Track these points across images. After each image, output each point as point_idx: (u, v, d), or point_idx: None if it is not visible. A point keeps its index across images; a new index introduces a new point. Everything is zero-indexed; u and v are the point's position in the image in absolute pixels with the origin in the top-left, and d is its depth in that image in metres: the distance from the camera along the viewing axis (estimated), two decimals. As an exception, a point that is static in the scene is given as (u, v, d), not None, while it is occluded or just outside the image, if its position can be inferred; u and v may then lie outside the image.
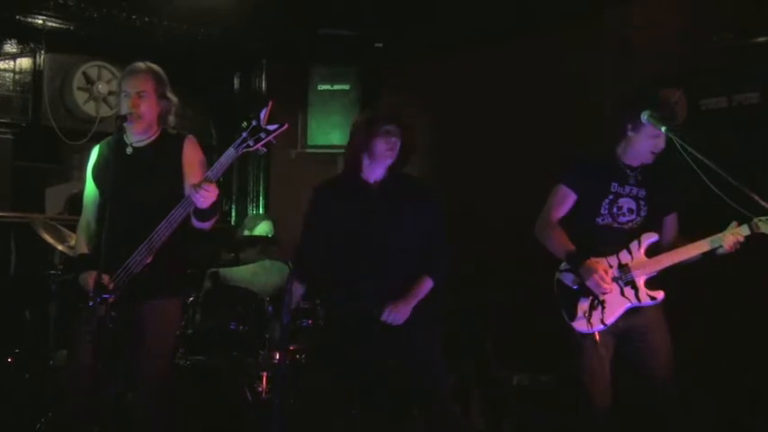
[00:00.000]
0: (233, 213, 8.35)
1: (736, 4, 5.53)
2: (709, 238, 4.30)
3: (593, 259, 4.32)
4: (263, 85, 8.16)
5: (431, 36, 7.40)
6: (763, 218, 4.19)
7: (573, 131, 5.63)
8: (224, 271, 6.19)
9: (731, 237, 4.26)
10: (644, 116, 4.28)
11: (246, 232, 6.57)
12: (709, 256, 4.34)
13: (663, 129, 4.24)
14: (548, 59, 6.56)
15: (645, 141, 4.37)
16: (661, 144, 4.36)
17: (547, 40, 6.62)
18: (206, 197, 3.98)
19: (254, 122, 4.01)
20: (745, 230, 4.26)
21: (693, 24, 5.68)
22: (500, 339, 6.39)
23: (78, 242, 4.48)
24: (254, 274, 6.30)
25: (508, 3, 6.68)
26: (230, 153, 4.06)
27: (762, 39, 5.39)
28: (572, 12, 6.42)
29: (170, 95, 4.45)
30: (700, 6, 5.67)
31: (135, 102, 4.30)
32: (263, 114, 4.01)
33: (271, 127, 4.02)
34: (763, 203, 4.11)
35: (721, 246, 4.27)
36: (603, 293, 4.31)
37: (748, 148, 5.36)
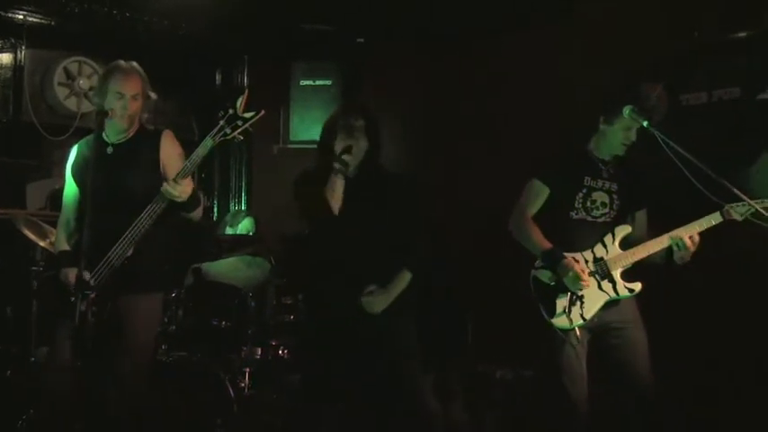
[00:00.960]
0: (215, 209, 8.32)
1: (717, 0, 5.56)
2: (681, 228, 4.33)
3: (570, 258, 4.35)
4: (245, 81, 8.14)
5: (413, 32, 7.39)
6: (734, 204, 4.22)
7: (559, 128, 5.65)
8: (206, 266, 6.18)
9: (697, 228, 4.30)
10: (626, 111, 4.31)
11: (229, 229, 6.56)
12: (669, 262, 4.39)
13: (645, 123, 4.28)
14: (534, 57, 6.56)
15: (617, 133, 4.42)
16: (632, 136, 4.42)
17: (532, 37, 6.63)
18: (181, 192, 4.01)
19: (230, 111, 4.06)
20: (716, 218, 4.29)
21: (674, 20, 5.69)
22: (483, 334, 6.40)
23: (58, 239, 4.48)
24: (236, 269, 6.29)
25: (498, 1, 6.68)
26: (207, 143, 4.10)
27: (742, 34, 5.41)
28: (558, 9, 6.43)
29: (151, 93, 4.47)
30: (681, 2, 5.69)
31: (132, 104, 4.33)
32: (240, 102, 4.06)
33: (247, 114, 4.06)
34: (743, 197, 4.14)
35: (692, 236, 4.29)
36: (580, 290, 4.34)
37: (729, 142, 5.38)
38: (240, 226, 6.54)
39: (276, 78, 7.83)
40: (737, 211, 4.23)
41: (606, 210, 4.49)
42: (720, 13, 5.51)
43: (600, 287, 4.40)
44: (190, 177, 4.08)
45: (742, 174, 5.15)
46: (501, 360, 6.26)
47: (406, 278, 4.40)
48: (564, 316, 4.36)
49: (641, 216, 4.63)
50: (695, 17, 5.61)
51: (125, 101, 4.30)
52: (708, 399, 5.26)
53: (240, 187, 8.27)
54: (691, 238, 4.28)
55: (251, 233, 6.50)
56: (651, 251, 4.38)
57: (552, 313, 4.38)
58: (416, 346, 4.46)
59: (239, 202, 8.25)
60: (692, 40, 5.59)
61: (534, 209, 4.52)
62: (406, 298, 4.44)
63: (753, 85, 5.41)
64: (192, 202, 4.19)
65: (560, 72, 6.27)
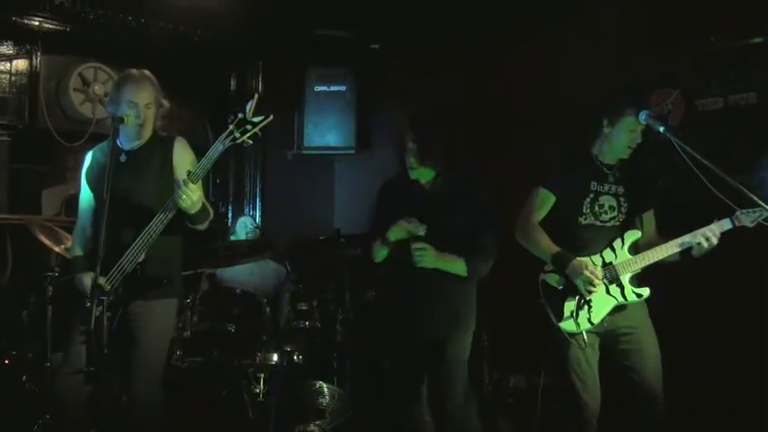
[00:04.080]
0: (230, 215, 8.33)
1: (733, 5, 5.53)
2: (689, 234, 4.31)
3: (579, 259, 4.35)
4: (260, 86, 8.14)
5: (427, 38, 7.39)
6: (744, 210, 4.20)
7: (573, 137, 5.66)
8: (221, 272, 6.18)
9: (708, 233, 4.27)
10: (642, 116, 4.30)
11: (232, 236, 6.58)
12: (686, 257, 4.36)
13: (661, 129, 4.26)
14: (549, 63, 6.55)
15: (622, 136, 4.42)
16: (638, 138, 4.42)
17: (546, 44, 6.62)
18: (187, 195, 3.99)
19: (240, 115, 4.05)
20: (726, 224, 4.27)
21: (691, 25, 5.68)
22: (497, 340, 6.38)
23: (73, 245, 4.52)
24: (251, 275, 6.31)
25: (507, 7, 6.66)
26: (217, 147, 4.09)
27: (759, 39, 5.40)
28: (569, 13, 6.42)
29: (163, 101, 4.49)
30: (697, 7, 5.67)
31: (145, 113, 4.37)
32: (249, 107, 4.07)
33: (256, 119, 4.05)
34: (761, 203, 4.12)
35: (699, 242, 4.27)
36: (590, 293, 4.32)
37: (745, 148, 5.36)
38: (238, 226, 6.58)
39: (291, 84, 7.84)
40: (748, 218, 4.22)
41: (615, 213, 4.50)
42: (736, 19, 5.49)
43: (608, 292, 4.40)
44: (199, 184, 4.08)
45: (758, 179, 5.13)
46: (515, 367, 6.24)
47: (457, 263, 4.47)
48: (571, 320, 4.38)
49: (649, 217, 4.62)
50: (710, 24, 5.59)
51: (138, 110, 4.34)
52: (712, 403, 5.25)
53: (255, 193, 8.26)
54: (708, 240, 4.26)
55: (249, 230, 6.52)
56: (660, 257, 4.38)
57: (560, 317, 4.40)
58: (466, 357, 4.55)
59: (254, 208, 8.25)
60: (708, 46, 5.57)
61: (540, 216, 4.53)
62: (464, 307, 4.61)
63: (769, 91, 5.40)
64: (201, 214, 4.20)
65: (576, 81, 6.25)
